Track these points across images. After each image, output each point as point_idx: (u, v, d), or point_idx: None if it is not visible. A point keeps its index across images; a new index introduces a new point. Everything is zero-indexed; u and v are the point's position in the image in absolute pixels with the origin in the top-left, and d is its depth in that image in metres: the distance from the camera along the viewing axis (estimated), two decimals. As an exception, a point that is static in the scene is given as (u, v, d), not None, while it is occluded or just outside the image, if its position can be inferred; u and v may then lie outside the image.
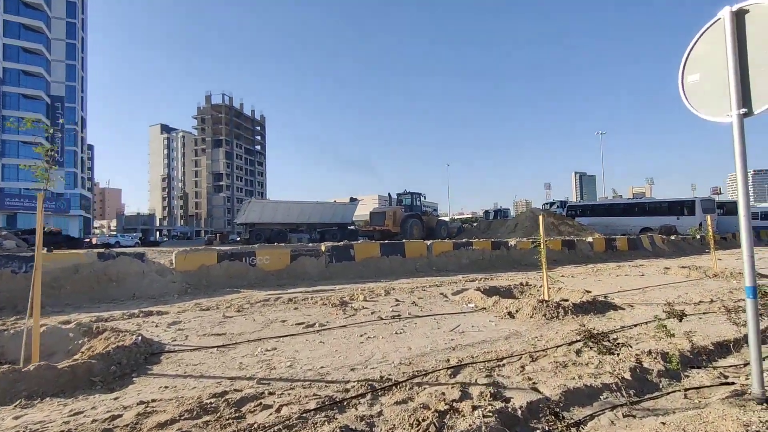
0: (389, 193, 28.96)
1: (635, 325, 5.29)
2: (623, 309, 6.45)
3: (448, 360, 3.96)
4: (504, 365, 3.84)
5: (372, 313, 5.86)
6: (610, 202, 33.27)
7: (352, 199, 33.09)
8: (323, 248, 10.08)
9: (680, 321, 4.58)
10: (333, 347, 4.36)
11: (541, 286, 7.74)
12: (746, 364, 4.12)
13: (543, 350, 4.18)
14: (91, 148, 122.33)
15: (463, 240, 13.16)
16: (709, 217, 10.77)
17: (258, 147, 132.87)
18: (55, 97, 75.42)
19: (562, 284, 8.34)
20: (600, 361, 3.87)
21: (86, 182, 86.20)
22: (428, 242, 11.58)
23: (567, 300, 6.84)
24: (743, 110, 3.05)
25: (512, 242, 12.58)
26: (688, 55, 3.46)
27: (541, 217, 7.18)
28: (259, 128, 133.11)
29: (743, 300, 5.46)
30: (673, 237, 19.89)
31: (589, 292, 7.91)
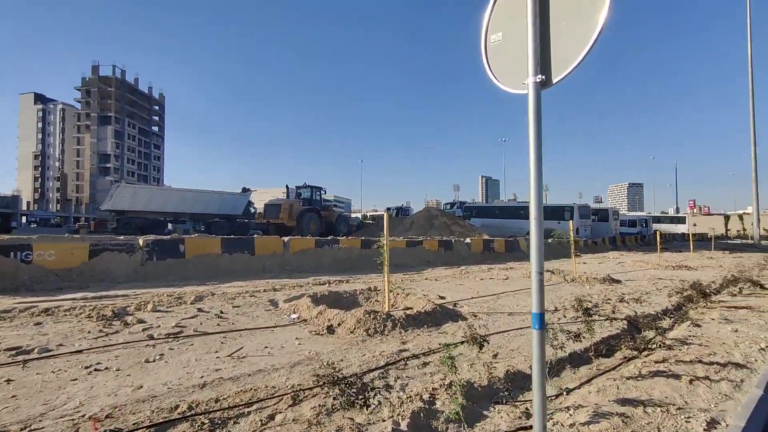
0: (287, 185, 27.19)
1: (462, 342, 4.58)
2: (466, 319, 5.82)
3: (177, 407, 2.79)
4: (249, 413, 2.77)
5: (144, 329, 4.49)
6: (501, 205, 34.87)
7: (245, 189, 30.63)
8: (141, 242, 8.31)
9: (480, 349, 3.89)
10: (13, 391, 2.96)
11: (394, 292, 6.93)
12: (557, 396, 3.53)
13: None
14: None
15: (329, 237, 12.15)
16: (571, 223, 10.94)
17: (155, 128, 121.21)
18: None
19: (415, 289, 7.64)
20: (380, 402, 2.97)
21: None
22: (286, 238, 10.30)
23: (410, 309, 6.08)
24: (540, 77, 2.29)
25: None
26: (493, 6, 2.65)
27: (385, 215, 6.34)
28: (157, 108, 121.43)
29: (582, 310, 5.00)
30: (549, 240, 20.95)
31: (443, 298, 7.30)
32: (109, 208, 24.72)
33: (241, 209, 29.51)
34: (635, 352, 4.56)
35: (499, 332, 4.98)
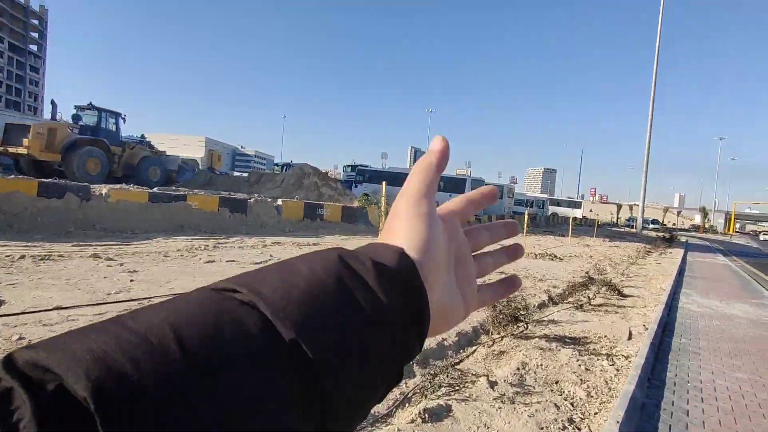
0: (52, 100, 19.24)
1: None
2: None
3: None
4: None
5: None
6: (397, 170, 31.76)
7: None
8: None
9: None
10: None
11: None
12: None
13: None
14: None
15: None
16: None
17: (34, 47, 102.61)
18: None
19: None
20: None
21: None
22: None
23: None
24: None
25: (103, 190, 7.56)
26: None
27: None
28: (36, 23, 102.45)
29: None
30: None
31: None
32: None
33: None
34: None
35: None
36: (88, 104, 17.42)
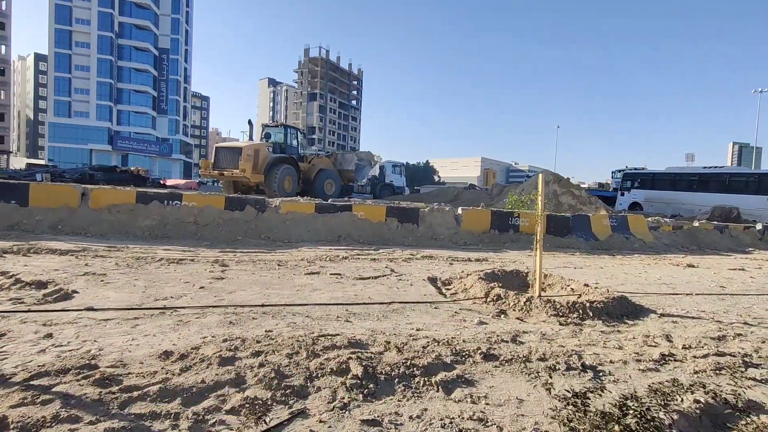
0: (249, 120, 18.97)
1: None
2: None
3: None
4: None
5: None
6: (677, 171, 24.13)
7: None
8: None
9: None
10: None
11: None
12: None
13: None
14: (206, 99, 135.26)
15: (166, 191, 8.35)
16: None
17: (354, 102, 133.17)
18: (162, 50, 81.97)
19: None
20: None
21: (188, 129, 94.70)
22: (90, 187, 7.42)
23: None
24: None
25: (276, 202, 8.01)
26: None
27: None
28: (355, 83, 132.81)
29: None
30: (696, 223, 12.88)
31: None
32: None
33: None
34: None
35: None
36: (275, 121, 19.77)
